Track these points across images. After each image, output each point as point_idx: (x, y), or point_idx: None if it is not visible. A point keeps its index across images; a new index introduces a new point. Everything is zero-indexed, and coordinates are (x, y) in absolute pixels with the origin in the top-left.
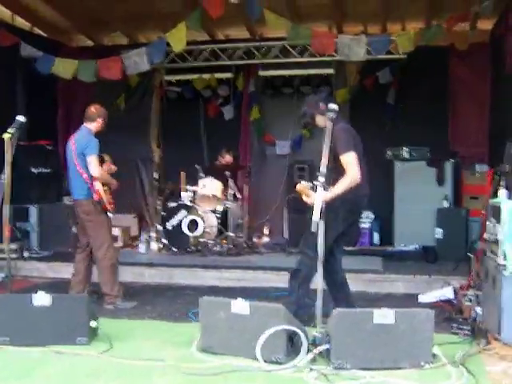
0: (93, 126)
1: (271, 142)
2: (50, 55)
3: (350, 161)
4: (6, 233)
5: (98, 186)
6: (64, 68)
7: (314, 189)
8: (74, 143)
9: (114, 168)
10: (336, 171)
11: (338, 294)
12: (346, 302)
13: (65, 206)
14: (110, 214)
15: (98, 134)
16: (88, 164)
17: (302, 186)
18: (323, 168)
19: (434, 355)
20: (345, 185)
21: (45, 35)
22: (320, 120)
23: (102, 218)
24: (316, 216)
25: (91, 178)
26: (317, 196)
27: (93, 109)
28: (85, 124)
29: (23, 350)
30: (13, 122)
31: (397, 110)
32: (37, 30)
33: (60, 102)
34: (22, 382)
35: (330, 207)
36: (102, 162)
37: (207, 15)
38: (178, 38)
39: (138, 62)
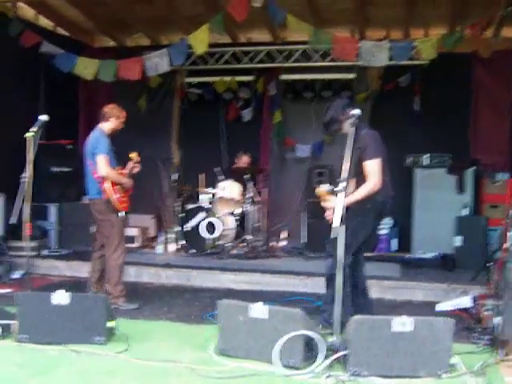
0: (106, 125)
1: (291, 146)
2: (71, 54)
3: (375, 168)
4: (26, 231)
5: (106, 185)
6: (85, 68)
7: (334, 193)
8: (87, 143)
9: (137, 168)
10: (357, 177)
11: (359, 299)
12: (366, 308)
13: (84, 205)
14: (121, 214)
15: (114, 134)
16: (97, 163)
17: (322, 189)
18: (345, 174)
19: (452, 365)
20: (365, 192)
21: (68, 35)
22: (347, 126)
23: (112, 218)
24: (336, 222)
25: (101, 177)
26: (337, 202)
27: (106, 108)
28: (99, 124)
29: (42, 348)
30: (35, 122)
31: (421, 117)
32: (60, 30)
33: (81, 101)
34: (41, 380)
35: (360, 210)
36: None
37: (230, 18)
38: (200, 40)
39: (158, 63)
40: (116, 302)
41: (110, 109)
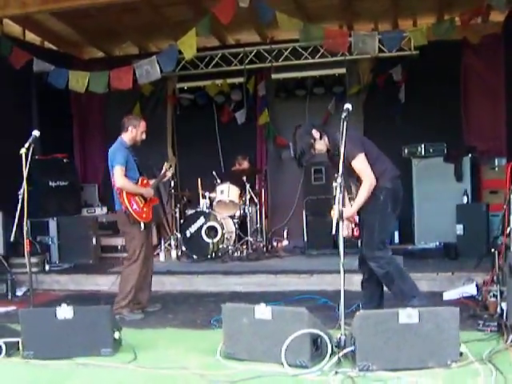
0: (125, 136)
1: (284, 145)
2: (62, 68)
3: (361, 165)
4: (27, 247)
5: (123, 196)
6: (77, 81)
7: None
8: (108, 156)
9: (169, 175)
10: (349, 173)
11: (376, 291)
12: (379, 301)
13: (83, 218)
14: (141, 225)
15: (137, 144)
16: (114, 175)
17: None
18: (341, 169)
19: (461, 353)
20: (366, 191)
21: (56, 49)
22: (320, 145)
23: (133, 230)
24: (335, 219)
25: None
26: (336, 197)
27: (125, 119)
28: (120, 135)
29: (49, 363)
30: (29, 137)
31: (405, 107)
32: (48, 45)
33: (74, 114)
34: None
35: (376, 207)
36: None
37: (217, 21)
38: (189, 45)
39: (149, 70)
40: (121, 312)
41: (128, 119)
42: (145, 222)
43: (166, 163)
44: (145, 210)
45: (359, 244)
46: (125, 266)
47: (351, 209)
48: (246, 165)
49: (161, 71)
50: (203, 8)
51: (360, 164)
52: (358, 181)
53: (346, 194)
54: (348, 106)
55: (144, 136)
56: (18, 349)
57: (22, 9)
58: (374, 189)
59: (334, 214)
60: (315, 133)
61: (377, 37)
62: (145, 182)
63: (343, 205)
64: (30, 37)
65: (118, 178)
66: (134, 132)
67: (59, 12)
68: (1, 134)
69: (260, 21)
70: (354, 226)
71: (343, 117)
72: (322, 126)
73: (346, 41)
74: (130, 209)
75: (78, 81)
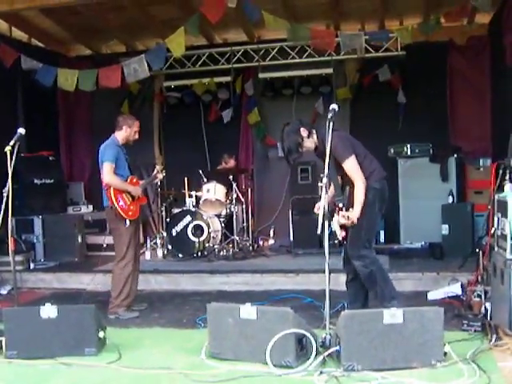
0: (119, 134)
1: (272, 145)
2: (51, 66)
3: (352, 167)
4: (11, 245)
5: (110, 192)
6: (66, 79)
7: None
8: (99, 152)
9: (157, 178)
10: (337, 170)
11: (361, 291)
12: (364, 301)
13: (68, 216)
14: (127, 222)
15: (130, 143)
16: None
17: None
18: (327, 169)
19: (445, 353)
20: (360, 193)
21: (43, 46)
22: (309, 143)
23: (120, 227)
24: (320, 218)
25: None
26: (321, 197)
27: (120, 117)
28: (113, 133)
29: (32, 363)
30: (14, 135)
31: (392, 107)
32: (35, 42)
33: (61, 111)
34: None
35: (364, 205)
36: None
37: (206, 20)
38: (177, 43)
39: (137, 69)
40: (116, 312)
41: (123, 118)
42: (130, 220)
43: (157, 165)
44: (131, 207)
45: (344, 244)
46: (114, 265)
47: (354, 211)
48: (232, 163)
49: (149, 69)
50: (190, 7)
51: (351, 166)
52: (350, 183)
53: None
54: (334, 106)
55: (137, 136)
56: (1, 348)
57: (10, 5)
58: None
59: (320, 213)
60: (303, 131)
61: (363, 37)
62: (134, 180)
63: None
64: (17, 34)
65: (106, 174)
66: (127, 131)
67: (46, 9)
68: None
69: (248, 20)
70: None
71: (329, 117)
72: (311, 124)
73: (332, 40)
74: (115, 204)
75: (67, 79)
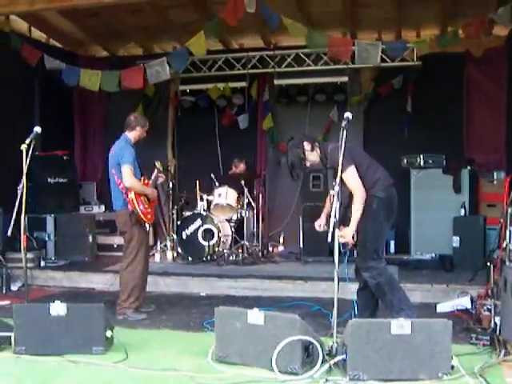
0: (131, 134)
1: (284, 151)
2: (74, 66)
3: (351, 178)
4: (23, 242)
5: (131, 196)
6: (89, 80)
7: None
8: (111, 153)
9: (162, 176)
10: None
11: (371, 300)
12: (373, 311)
13: (81, 216)
14: (146, 226)
15: (139, 143)
16: (122, 174)
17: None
18: (339, 178)
19: (453, 366)
20: (358, 204)
21: (61, 46)
22: (312, 156)
23: (134, 230)
24: (331, 226)
25: (126, 188)
26: (333, 206)
27: (132, 117)
28: (124, 132)
29: (40, 359)
30: (30, 133)
31: (412, 118)
32: (53, 42)
33: (76, 112)
34: None
35: (368, 213)
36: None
37: (223, 25)
38: (198, 45)
39: (159, 71)
40: (125, 313)
41: (135, 117)
42: (149, 223)
43: (156, 163)
44: (149, 210)
45: (355, 253)
46: (124, 267)
47: (349, 228)
48: (242, 168)
49: (171, 72)
50: (208, 11)
51: (349, 177)
52: (350, 196)
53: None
54: (348, 114)
55: (145, 134)
56: (10, 343)
57: (30, 6)
58: (366, 198)
59: (331, 221)
60: (306, 145)
61: (380, 46)
62: (146, 181)
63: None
64: (36, 34)
65: (128, 178)
66: (140, 131)
67: (66, 10)
68: (2, 129)
69: (267, 25)
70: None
71: (343, 125)
72: (313, 138)
73: (349, 49)
74: (137, 208)
75: (91, 79)
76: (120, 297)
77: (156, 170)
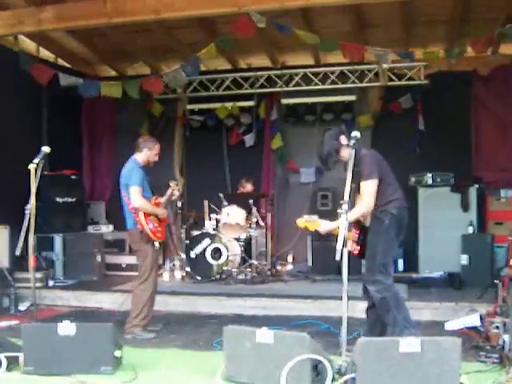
0: (139, 156)
1: (294, 170)
2: (93, 80)
3: (369, 189)
4: (32, 262)
5: (139, 216)
6: (110, 89)
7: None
8: (121, 175)
9: (175, 196)
10: (355, 197)
11: (379, 319)
12: (381, 329)
13: (89, 235)
14: (156, 244)
15: (150, 165)
16: (130, 195)
17: (302, 221)
18: (347, 196)
19: None
20: (358, 213)
21: (69, 66)
22: (345, 152)
23: (146, 249)
24: (340, 244)
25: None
26: (341, 224)
27: (141, 139)
28: (134, 155)
29: (48, 379)
30: (38, 152)
31: (424, 136)
32: (61, 62)
33: (84, 130)
34: None
35: (380, 228)
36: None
37: (233, 39)
38: (210, 54)
39: (177, 76)
40: (133, 331)
41: (144, 140)
42: (159, 242)
43: (172, 182)
44: (159, 229)
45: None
46: (136, 285)
47: (332, 223)
48: (249, 187)
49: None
50: (215, 31)
51: (368, 188)
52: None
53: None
54: (356, 133)
55: (157, 158)
56: (19, 363)
57: (38, 26)
58: (379, 212)
59: (339, 240)
60: (343, 139)
61: (391, 54)
62: (157, 201)
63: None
64: (44, 54)
65: (136, 199)
66: (147, 153)
67: (74, 30)
68: (10, 149)
69: (279, 36)
70: (355, 243)
71: (351, 144)
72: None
73: (362, 50)
74: (146, 228)
75: (111, 89)
76: (130, 315)
77: (170, 189)
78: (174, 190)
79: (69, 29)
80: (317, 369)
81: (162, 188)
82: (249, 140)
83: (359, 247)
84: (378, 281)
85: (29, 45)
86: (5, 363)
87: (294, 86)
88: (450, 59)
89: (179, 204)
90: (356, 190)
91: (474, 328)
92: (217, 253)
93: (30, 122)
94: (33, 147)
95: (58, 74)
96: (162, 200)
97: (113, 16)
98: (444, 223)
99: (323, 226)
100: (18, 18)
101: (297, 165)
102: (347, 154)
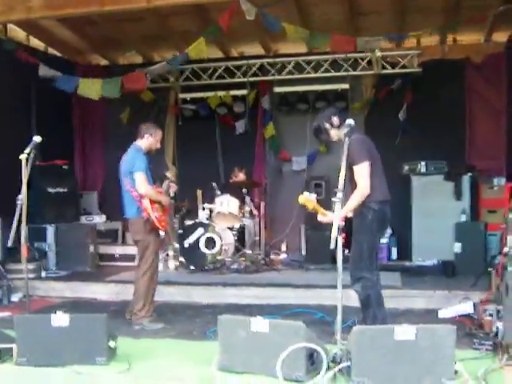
0: (142, 142)
1: (287, 159)
2: (72, 76)
3: (362, 173)
4: (24, 253)
5: (145, 203)
6: (90, 88)
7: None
8: (122, 161)
9: (174, 186)
10: (350, 183)
11: None
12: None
13: (81, 226)
14: (161, 233)
15: (151, 152)
16: (135, 181)
17: (305, 197)
18: (341, 184)
19: (456, 371)
20: (357, 198)
21: (60, 55)
22: (335, 134)
23: (149, 238)
24: (334, 233)
25: (140, 195)
26: (335, 213)
27: (143, 126)
28: (135, 141)
29: (42, 370)
30: (29, 142)
31: (407, 125)
32: (51, 51)
33: (75, 121)
34: None
35: (363, 223)
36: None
37: (222, 32)
38: (199, 50)
39: (159, 71)
40: (141, 323)
41: (146, 126)
42: (164, 231)
43: (167, 173)
44: (163, 218)
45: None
46: (139, 276)
47: (338, 214)
48: (241, 176)
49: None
50: (208, 19)
51: (361, 171)
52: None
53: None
54: (350, 121)
55: (159, 145)
56: (12, 355)
57: (27, 14)
58: (362, 207)
59: (334, 228)
60: (335, 120)
61: (381, 40)
62: (158, 190)
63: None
64: (34, 42)
65: (142, 185)
66: (150, 140)
67: (64, 19)
68: (0, 139)
69: (268, 31)
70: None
71: (345, 132)
72: (346, 118)
73: (352, 42)
74: (152, 216)
75: (91, 87)
76: (134, 306)
77: (167, 180)
78: (171, 180)
79: (59, 17)
80: (312, 357)
81: (155, 178)
82: (239, 126)
83: (344, 234)
84: (365, 277)
85: (18, 33)
86: None
87: (286, 74)
88: (445, 31)
89: (171, 193)
90: (349, 178)
91: (467, 316)
92: (210, 242)
93: (19, 111)
94: (23, 137)
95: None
96: (161, 189)
97: (105, 3)
98: (437, 211)
99: (329, 217)
100: (8, 5)
101: (289, 153)
102: (336, 135)
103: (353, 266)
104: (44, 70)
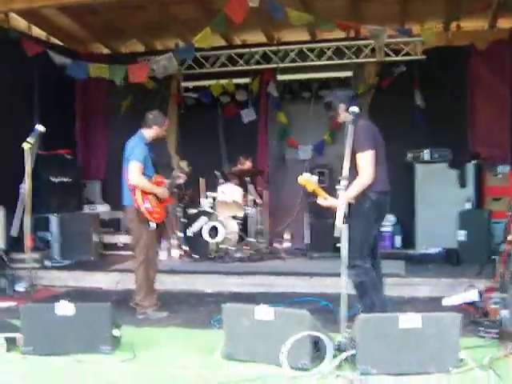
0: (147, 132)
1: (294, 146)
2: (82, 61)
3: (365, 161)
4: (28, 243)
5: (137, 194)
6: (100, 72)
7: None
8: (126, 147)
9: (181, 178)
10: (353, 171)
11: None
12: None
13: (85, 215)
14: (152, 225)
15: (157, 141)
16: (129, 170)
17: (305, 178)
18: (345, 172)
19: (461, 359)
20: (358, 187)
21: (61, 44)
22: (343, 116)
23: (141, 228)
24: (339, 221)
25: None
26: (339, 201)
27: (150, 115)
28: (141, 129)
29: (47, 359)
30: (32, 132)
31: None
32: (53, 40)
33: (78, 109)
34: None
35: (359, 212)
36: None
37: (228, 19)
38: (205, 39)
39: (167, 66)
40: (146, 312)
41: (153, 116)
42: (156, 223)
43: (181, 162)
44: (157, 210)
45: None
46: (136, 267)
47: (339, 199)
48: (248, 165)
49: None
50: (210, 7)
51: (365, 160)
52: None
53: None
54: (355, 108)
55: (165, 133)
56: (17, 344)
57: (29, 3)
58: (360, 195)
59: (337, 216)
60: (342, 107)
61: (386, 32)
62: (159, 180)
63: None
64: (36, 32)
65: (134, 175)
66: (157, 130)
67: (66, 7)
68: (3, 128)
69: (271, 18)
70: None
71: (350, 119)
72: (356, 103)
73: (357, 25)
74: (141, 207)
75: (101, 71)
76: (135, 297)
77: (176, 169)
78: (182, 171)
79: (61, 5)
80: (317, 345)
81: (158, 166)
82: (246, 115)
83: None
84: (358, 265)
85: (20, 23)
86: (4, 344)
87: (289, 62)
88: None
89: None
90: (352, 165)
91: (472, 304)
92: (214, 231)
93: (22, 101)
94: (26, 127)
95: (48, 53)
96: (167, 181)
97: None
98: (441, 199)
99: (330, 201)
100: None
101: (296, 140)
102: (343, 118)
103: (348, 254)
104: (59, 58)
